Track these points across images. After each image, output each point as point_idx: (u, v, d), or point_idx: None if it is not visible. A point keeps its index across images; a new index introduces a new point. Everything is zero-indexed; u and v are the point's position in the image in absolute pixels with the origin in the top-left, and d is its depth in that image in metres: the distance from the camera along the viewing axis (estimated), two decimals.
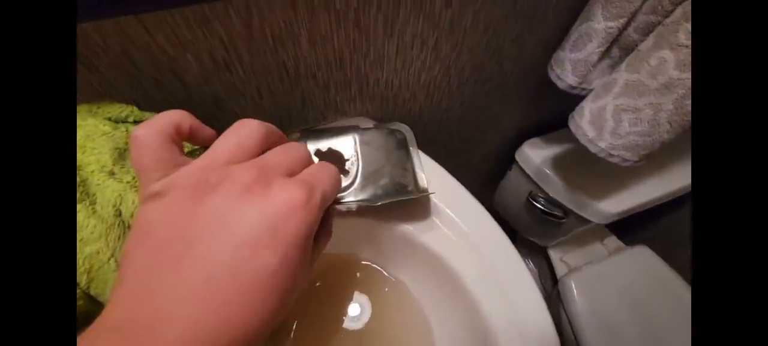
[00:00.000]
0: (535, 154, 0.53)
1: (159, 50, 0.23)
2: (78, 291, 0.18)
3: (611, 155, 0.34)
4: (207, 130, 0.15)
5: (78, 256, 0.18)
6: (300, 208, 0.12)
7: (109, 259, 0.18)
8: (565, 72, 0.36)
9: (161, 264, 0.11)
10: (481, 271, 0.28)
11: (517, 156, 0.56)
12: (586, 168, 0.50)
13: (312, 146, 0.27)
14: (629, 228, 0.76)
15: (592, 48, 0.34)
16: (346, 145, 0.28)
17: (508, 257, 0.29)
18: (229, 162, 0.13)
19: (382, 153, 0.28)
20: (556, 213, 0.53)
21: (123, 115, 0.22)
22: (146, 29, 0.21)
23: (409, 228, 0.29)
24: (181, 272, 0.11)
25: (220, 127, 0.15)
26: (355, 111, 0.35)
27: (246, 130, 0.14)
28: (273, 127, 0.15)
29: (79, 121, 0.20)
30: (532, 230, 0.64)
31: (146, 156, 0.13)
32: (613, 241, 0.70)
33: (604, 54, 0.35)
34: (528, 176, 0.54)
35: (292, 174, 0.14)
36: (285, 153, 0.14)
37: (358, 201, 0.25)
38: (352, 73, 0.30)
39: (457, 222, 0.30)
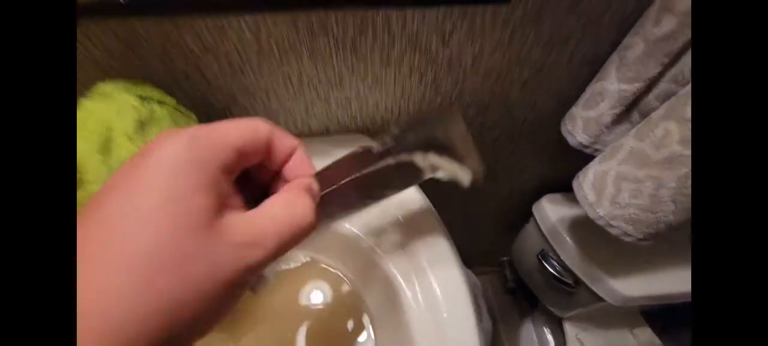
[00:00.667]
0: (552, 211, 0.49)
1: (187, 49, 0.28)
2: None
3: (611, 225, 0.31)
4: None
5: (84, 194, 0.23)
6: None
7: None
8: (576, 129, 0.35)
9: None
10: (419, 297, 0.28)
11: (535, 209, 0.52)
12: (606, 239, 0.45)
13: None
14: (672, 324, 0.65)
15: (605, 108, 0.32)
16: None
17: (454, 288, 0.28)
18: None
19: None
20: (566, 280, 0.48)
21: (149, 94, 0.27)
22: (178, 30, 0.27)
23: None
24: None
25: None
26: (357, 128, 0.38)
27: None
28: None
29: (115, 95, 0.26)
30: (545, 293, 0.59)
31: None
32: (646, 333, 0.60)
33: (622, 117, 0.32)
34: (542, 233, 0.51)
35: None
36: None
37: None
38: (351, 92, 0.33)
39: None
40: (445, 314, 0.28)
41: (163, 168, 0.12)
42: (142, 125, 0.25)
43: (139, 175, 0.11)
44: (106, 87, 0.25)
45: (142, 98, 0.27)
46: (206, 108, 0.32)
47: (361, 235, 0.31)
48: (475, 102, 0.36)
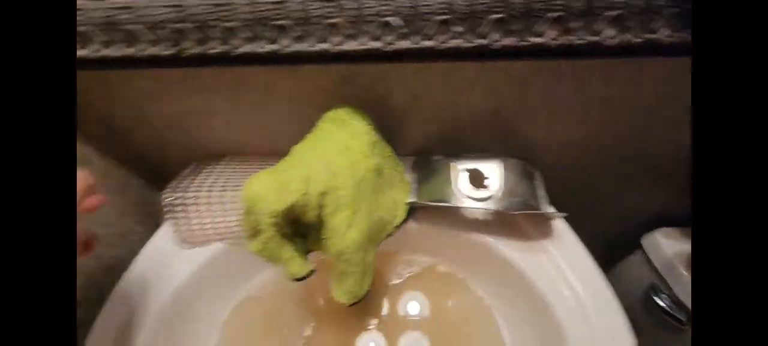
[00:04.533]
0: (668, 245, 0.50)
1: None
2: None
3: None
4: None
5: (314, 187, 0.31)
6: None
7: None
8: None
9: None
10: (574, 306, 0.32)
11: (644, 242, 0.53)
12: None
13: (463, 165, 0.37)
14: None
15: None
16: (491, 167, 0.36)
17: (608, 310, 0.31)
18: None
19: (518, 178, 0.35)
20: (677, 316, 0.48)
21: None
22: None
23: (511, 250, 0.35)
24: None
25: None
26: (503, 153, 0.43)
27: None
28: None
29: (348, 121, 0.32)
30: (647, 330, 0.58)
31: None
32: None
33: None
34: (653, 267, 0.52)
35: None
36: None
37: (496, 209, 0.33)
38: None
39: (560, 262, 0.34)
40: (592, 314, 0.31)
41: None
42: (373, 146, 0.32)
43: None
44: (340, 113, 0.33)
45: (369, 124, 0.34)
46: None
47: (490, 239, 0.36)
48: (615, 134, 0.40)
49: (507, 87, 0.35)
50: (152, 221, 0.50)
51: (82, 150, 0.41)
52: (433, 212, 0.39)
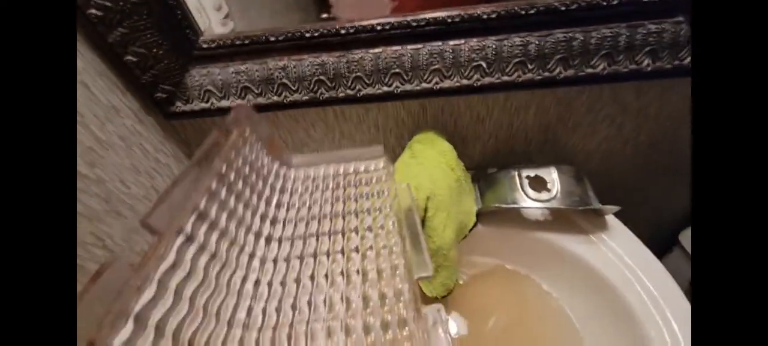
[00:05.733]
0: None
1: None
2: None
3: None
4: None
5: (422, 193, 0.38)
6: None
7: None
8: None
9: None
10: (644, 296, 0.37)
11: (682, 237, 0.58)
12: None
13: (524, 172, 0.44)
14: None
15: None
16: (547, 173, 0.43)
17: (672, 293, 0.37)
18: None
19: (572, 181, 0.42)
20: None
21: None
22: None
23: (573, 244, 0.41)
24: None
25: None
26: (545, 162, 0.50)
27: None
28: None
29: (436, 141, 0.41)
30: None
31: None
32: None
33: None
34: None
35: None
36: None
37: (560, 207, 0.39)
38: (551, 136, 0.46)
39: (618, 252, 0.40)
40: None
41: None
42: (456, 159, 0.40)
43: None
44: (428, 135, 0.41)
45: (449, 143, 0.42)
46: None
47: (552, 236, 0.42)
48: (649, 139, 0.47)
49: (555, 107, 0.43)
50: None
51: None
52: (497, 217, 0.45)
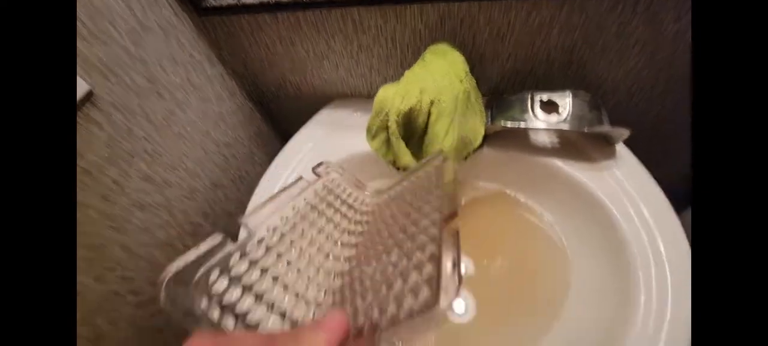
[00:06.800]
0: None
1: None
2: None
3: None
4: None
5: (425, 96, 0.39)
6: None
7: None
8: None
9: None
10: (640, 228, 0.37)
11: None
12: None
13: (537, 96, 0.43)
14: None
15: None
16: (561, 97, 0.42)
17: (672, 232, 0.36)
18: None
19: (586, 107, 0.41)
20: None
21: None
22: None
23: (576, 172, 0.41)
24: None
25: None
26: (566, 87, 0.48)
27: None
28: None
29: (448, 52, 0.41)
30: None
31: None
32: None
33: None
34: None
35: None
36: None
37: (570, 130, 0.39)
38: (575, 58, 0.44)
39: (622, 180, 0.40)
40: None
41: None
42: (466, 73, 0.40)
43: None
44: (441, 46, 0.41)
45: (462, 56, 0.42)
46: None
47: (558, 161, 0.42)
48: (683, 74, 0.44)
49: (583, 27, 0.41)
50: (269, 150, 0.63)
51: (228, 84, 0.53)
52: (504, 141, 0.46)
